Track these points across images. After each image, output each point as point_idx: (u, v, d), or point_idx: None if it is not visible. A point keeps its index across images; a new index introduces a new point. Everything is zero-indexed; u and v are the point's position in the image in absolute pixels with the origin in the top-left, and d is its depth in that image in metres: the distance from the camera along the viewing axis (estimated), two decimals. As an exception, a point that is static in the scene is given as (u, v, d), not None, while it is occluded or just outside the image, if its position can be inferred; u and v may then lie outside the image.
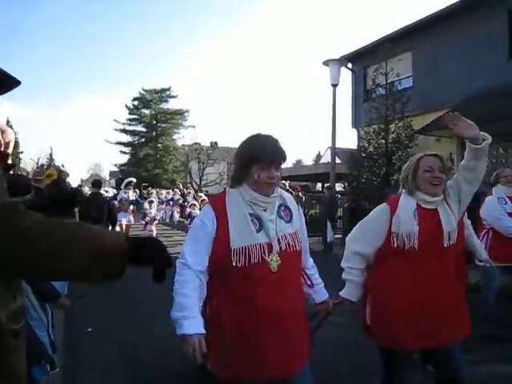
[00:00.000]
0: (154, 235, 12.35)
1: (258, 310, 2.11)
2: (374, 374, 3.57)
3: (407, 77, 13.79)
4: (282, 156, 2.27)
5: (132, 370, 4.33)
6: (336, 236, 13.58)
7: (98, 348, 4.91)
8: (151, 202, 13.88)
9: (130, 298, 7.14)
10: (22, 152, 32.81)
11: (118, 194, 12.35)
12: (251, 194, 2.20)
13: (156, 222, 14.09)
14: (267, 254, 2.13)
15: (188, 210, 18.34)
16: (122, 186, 11.97)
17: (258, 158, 2.17)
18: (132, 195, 12.22)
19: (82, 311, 6.24)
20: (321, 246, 12.53)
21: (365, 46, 14.88)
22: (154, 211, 13.55)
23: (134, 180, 12.48)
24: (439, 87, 12.62)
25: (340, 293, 2.88)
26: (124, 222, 11.63)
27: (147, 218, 13.39)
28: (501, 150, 11.65)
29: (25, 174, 11.56)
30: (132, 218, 12.26)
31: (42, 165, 12.19)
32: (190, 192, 22.25)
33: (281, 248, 2.17)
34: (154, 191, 25.28)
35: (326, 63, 13.40)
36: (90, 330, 5.52)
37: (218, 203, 2.26)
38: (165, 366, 4.43)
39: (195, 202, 13.76)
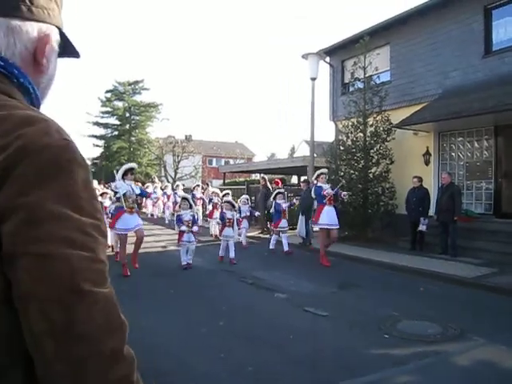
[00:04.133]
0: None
1: None
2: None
3: (385, 71, 13.90)
4: None
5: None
6: (315, 229, 13.65)
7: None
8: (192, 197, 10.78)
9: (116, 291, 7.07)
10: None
11: (115, 185, 8.79)
12: None
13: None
14: None
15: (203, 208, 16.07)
16: (119, 176, 8.57)
17: None
18: (135, 188, 8.95)
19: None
20: (299, 239, 12.58)
21: (343, 39, 14.92)
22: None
23: (135, 166, 9.56)
24: (416, 82, 12.80)
25: None
26: (138, 226, 8.69)
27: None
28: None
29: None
30: (140, 221, 9.06)
31: None
32: (198, 185, 18.43)
33: None
34: (149, 185, 22.27)
35: (304, 57, 13.43)
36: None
37: None
38: (152, 359, 4.40)
39: (230, 199, 11.08)
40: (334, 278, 8.57)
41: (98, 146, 47.36)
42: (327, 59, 15.73)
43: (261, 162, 26.29)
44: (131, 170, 8.85)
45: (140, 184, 18.20)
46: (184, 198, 9.58)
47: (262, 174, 20.14)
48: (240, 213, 12.01)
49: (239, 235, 12.21)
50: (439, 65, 12.15)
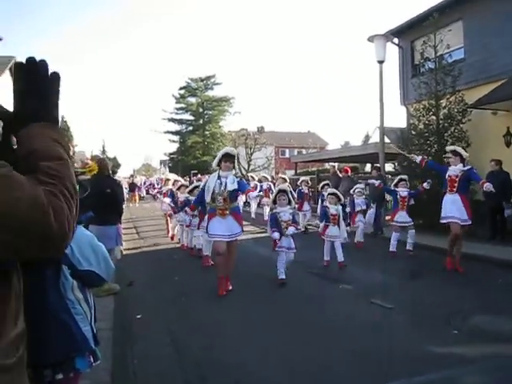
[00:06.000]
0: None
1: None
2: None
3: (458, 48, 13.06)
4: None
5: (180, 356, 4.35)
6: (387, 218, 13.15)
7: (147, 334, 4.99)
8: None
9: (179, 284, 7.22)
10: (76, 145, 33.80)
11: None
12: None
13: None
14: None
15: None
16: (214, 165, 6.70)
17: None
18: (231, 182, 6.35)
19: (131, 298, 6.40)
20: (370, 228, 12.18)
21: (411, 18, 14.18)
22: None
23: (233, 151, 6.75)
24: (493, 57, 11.87)
25: None
26: (232, 237, 6.47)
27: None
28: None
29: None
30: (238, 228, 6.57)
31: (95, 156, 10.13)
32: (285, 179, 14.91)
33: None
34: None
35: (370, 39, 12.92)
36: (139, 316, 5.60)
37: None
38: (213, 353, 4.42)
39: (336, 191, 8.95)
40: (405, 268, 8.20)
41: (173, 141, 49.18)
42: (395, 40, 15.05)
43: (332, 151, 25.87)
44: (226, 156, 6.46)
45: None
46: (282, 191, 7.34)
47: (332, 163, 19.78)
48: (354, 206, 10.43)
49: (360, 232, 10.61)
50: (519, 37, 11.17)
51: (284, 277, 7.05)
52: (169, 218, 12.33)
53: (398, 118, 58.41)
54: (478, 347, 4.45)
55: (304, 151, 43.18)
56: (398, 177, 9.92)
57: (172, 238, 11.83)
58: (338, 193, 8.71)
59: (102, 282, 2.56)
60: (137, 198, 27.19)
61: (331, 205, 8.39)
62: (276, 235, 6.88)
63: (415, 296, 6.39)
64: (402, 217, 9.29)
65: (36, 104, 1.19)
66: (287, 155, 46.82)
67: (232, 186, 6.31)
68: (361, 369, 4.00)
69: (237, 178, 6.41)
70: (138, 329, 5.18)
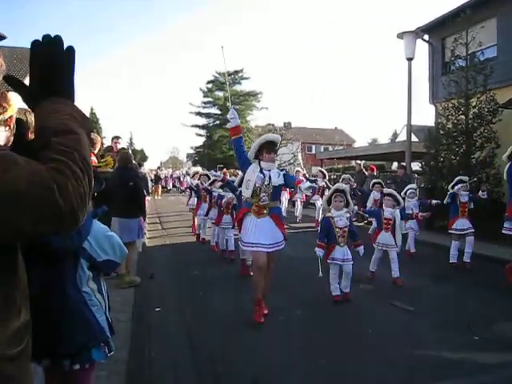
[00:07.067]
0: None
1: None
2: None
3: (491, 46, 12.72)
4: None
5: (195, 351, 4.38)
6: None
7: (165, 328, 5.05)
8: None
9: (199, 279, 7.27)
10: (104, 137, 34.31)
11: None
12: None
13: None
14: None
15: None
16: (250, 155, 5.30)
17: None
18: (275, 175, 5.19)
19: (152, 291, 6.47)
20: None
21: (443, 14, 13.88)
22: None
23: (276, 138, 5.50)
24: (527, 56, 11.54)
25: None
26: (274, 247, 5.21)
27: None
28: None
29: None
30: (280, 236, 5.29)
31: (122, 148, 9.78)
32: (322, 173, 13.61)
33: None
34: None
35: (400, 36, 12.71)
36: (158, 309, 5.67)
37: None
38: (228, 350, 4.43)
39: (393, 192, 7.55)
40: (430, 270, 8.04)
41: (200, 135, 49.41)
42: (425, 37, 14.77)
43: (359, 148, 25.60)
44: (269, 145, 5.22)
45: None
46: (339, 191, 6.12)
47: (357, 161, 19.58)
48: (404, 210, 8.61)
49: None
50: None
51: (338, 293, 6.04)
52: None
53: (426, 116, 57.06)
54: (499, 355, 4.34)
55: (330, 148, 42.85)
56: (457, 178, 8.49)
57: (197, 238, 10.98)
58: (397, 194, 7.43)
59: (118, 267, 2.68)
60: (159, 190, 27.58)
61: (387, 207, 7.26)
62: (320, 253, 5.85)
63: (438, 299, 6.27)
64: (461, 224, 8.11)
65: (51, 77, 1.20)
66: (313, 151, 46.54)
67: (278, 180, 5.15)
68: (371, 371, 3.97)
69: (281, 171, 5.41)
70: (157, 322, 5.24)
